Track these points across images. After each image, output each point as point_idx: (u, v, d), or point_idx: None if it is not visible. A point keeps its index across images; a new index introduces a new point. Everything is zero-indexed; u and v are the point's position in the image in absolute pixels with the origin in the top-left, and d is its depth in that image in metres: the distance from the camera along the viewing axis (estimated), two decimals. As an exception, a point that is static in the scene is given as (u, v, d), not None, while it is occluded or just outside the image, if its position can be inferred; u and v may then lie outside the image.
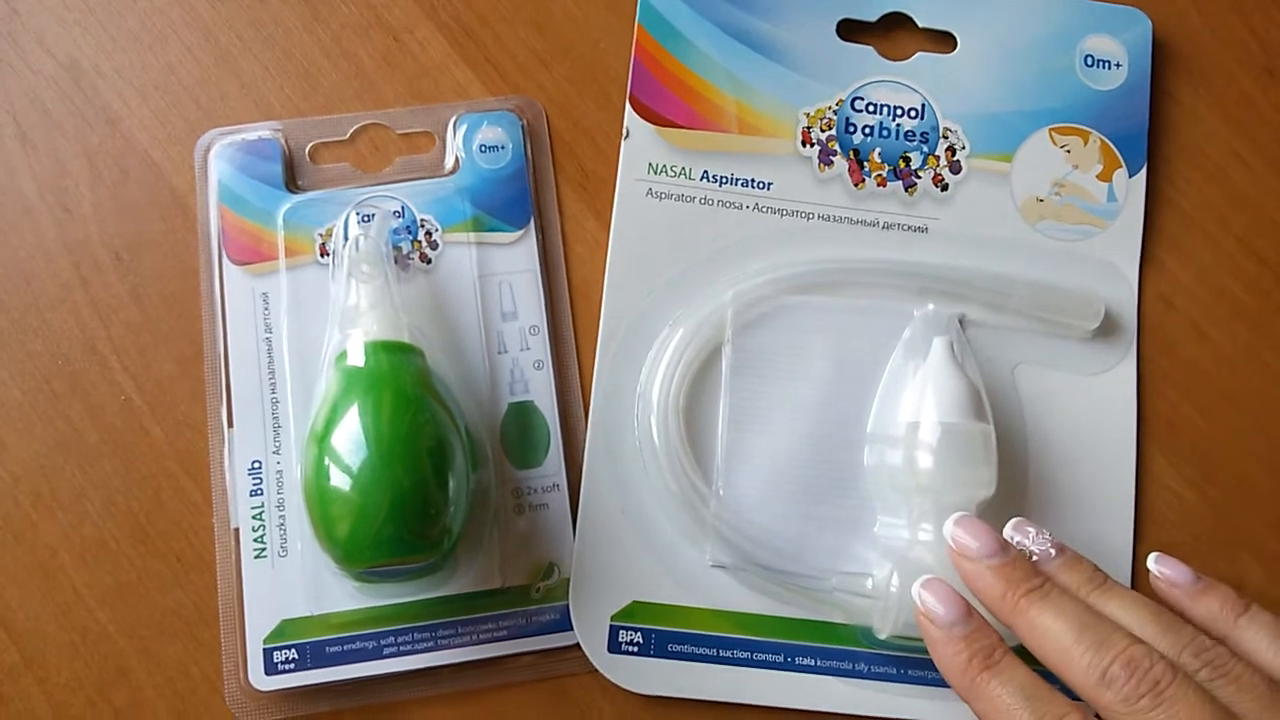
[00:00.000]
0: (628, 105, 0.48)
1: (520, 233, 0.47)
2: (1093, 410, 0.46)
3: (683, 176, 0.48)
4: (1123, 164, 0.48)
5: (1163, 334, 0.48)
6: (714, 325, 0.46)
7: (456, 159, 0.48)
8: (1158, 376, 0.47)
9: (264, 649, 0.44)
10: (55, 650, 0.45)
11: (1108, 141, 0.48)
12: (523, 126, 0.48)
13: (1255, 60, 0.50)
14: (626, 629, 0.44)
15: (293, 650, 0.44)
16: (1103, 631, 0.34)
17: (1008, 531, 0.39)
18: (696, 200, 0.48)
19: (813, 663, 0.44)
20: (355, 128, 0.49)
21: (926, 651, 0.42)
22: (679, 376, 0.45)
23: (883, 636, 0.42)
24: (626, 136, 0.48)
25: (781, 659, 0.44)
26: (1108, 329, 0.47)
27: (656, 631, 0.44)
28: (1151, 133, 0.49)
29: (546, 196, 0.48)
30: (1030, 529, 0.39)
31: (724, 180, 0.48)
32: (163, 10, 0.50)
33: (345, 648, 0.44)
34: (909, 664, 0.44)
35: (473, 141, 0.48)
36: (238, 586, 0.44)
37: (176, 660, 0.45)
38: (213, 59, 0.50)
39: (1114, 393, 0.47)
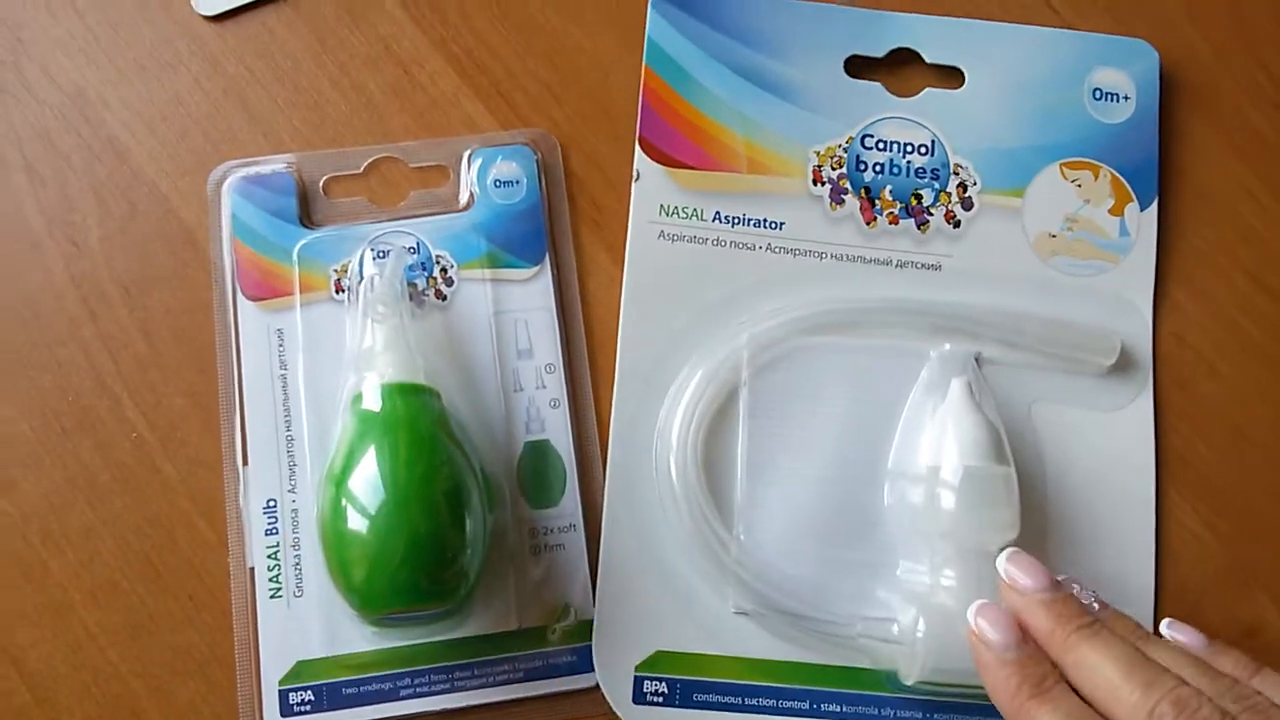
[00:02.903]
0: (637, 147, 0.48)
1: (535, 269, 0.47)
2: (1111, 447, 0.46)
3: (695, 218, 0.48)
4: (1134, 198, 0.48)
5: (1175, 370, 0.48)
6: (730, 368, 0.46)
7: (471, 194, 0.48)
8: (1170, 413, 0.47)
9: (280, 690, 0.44)
10: (67, 691, 0.45)
11: (1118, 175, 0.49)
12: (537, 161, 0.48)
13: (1265, 95, 0.51)
14: (651, 679, 0.44)
15: (309, 692, 0.44)
16: (1151, 672, 0.35)
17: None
18: (709, 241, 0.48)
19: (839, 709, 0.44)
20: (368, 161, 0.48)
21: (953, 695, 0.43)
22: (696, 421, 0.45)
23: (910, 682, 0.42)
24: (637, 179, 0.48)
25: (807, 706, 0.44)
26: (1124, 364, 0.47)
27: (681, 681, 0.44)
28: (1161, 167, 0.49)
29: (561, 232, 0.48)
30: (1075, 583, 0.40)
31: (736, 221, 0.48)
32: (169, 40, 0.50)
33: (362, 689, 0.44)
34: (936, 708, 0.44)
35: (487, 176, 0.47)
36: (253, 627, 0.44)
37: (188, 701, 0.45)
38: (221, 90, 0.49)
39: (1132, 429, 0.47)
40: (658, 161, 0.48)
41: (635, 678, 0.44)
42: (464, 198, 0.48)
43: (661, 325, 0.47)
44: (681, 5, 0.49)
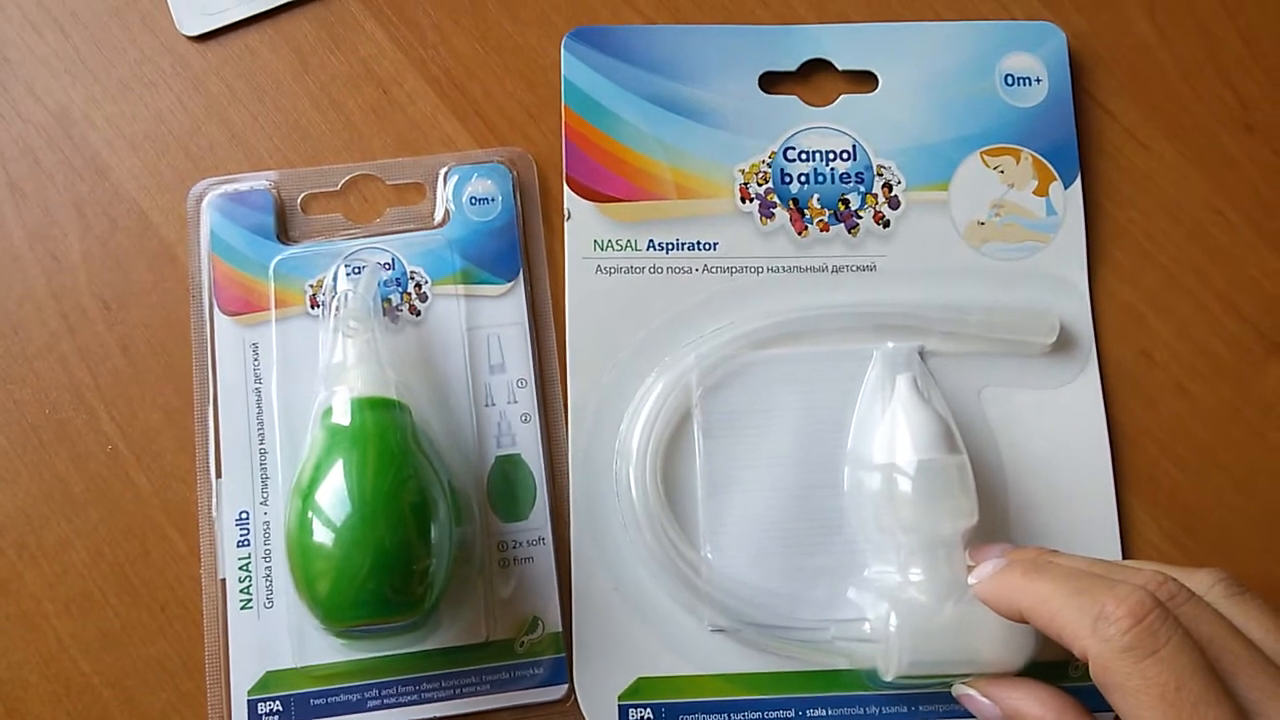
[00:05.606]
0: (565, 187, 0.48)
1: (509, 285, 0.48)
2: (1062, 422, 0.47)
3: (629, 249, 0.48)
4: (1057, 177, 0.49)
5: (1143, 389, 0.48)
6: (680, 391, 0.46)
7: (446, 211, 0.48)
8: (1138, 431, 0.48)
9: (248, 700, 0.44)
10: (38, 701, 0.45)
11: (1039, 156, 0.49)
12: (513, 179, 0.49)
13: (1234, 116, 0.51)
14: (635, 707, 0.44)
15: (277, 702, 0.44)
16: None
17: None
18: (645, 270, 0.48)
19: (824, 713, 0.44)
20: (346, 179, 0.49)
21: (935, 687, 0.43)
22: (653, 448, 0.45)
23: (890, 679, 0.41)
24: (568, 218, 0.48)
25: (793, 714, 0.44)
26: (1065, 341, 0.47)
27: (666, 705, 0.44)
28: (1130, 184, 0.50)
29: (535, 249, 0.48)
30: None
31: (670, 247, 0.48)
32: (153, 59, 0.51)
33: (329, 700, 0.44)
34: (919, 700, 0.44)
35: (463, 193, 0.48)
36: (223, 637, 0.44)
37: (160, 711, 0.45)
38: (202, 109, 0.50)
39: (1080, 402, 0.47)
40: (587, 198, 0.48)
41: (620, 707, 0.44)
42: (439, 215, 0.48)
43: (607, 359, 0.47)
44: (592, 43, 0.49)
